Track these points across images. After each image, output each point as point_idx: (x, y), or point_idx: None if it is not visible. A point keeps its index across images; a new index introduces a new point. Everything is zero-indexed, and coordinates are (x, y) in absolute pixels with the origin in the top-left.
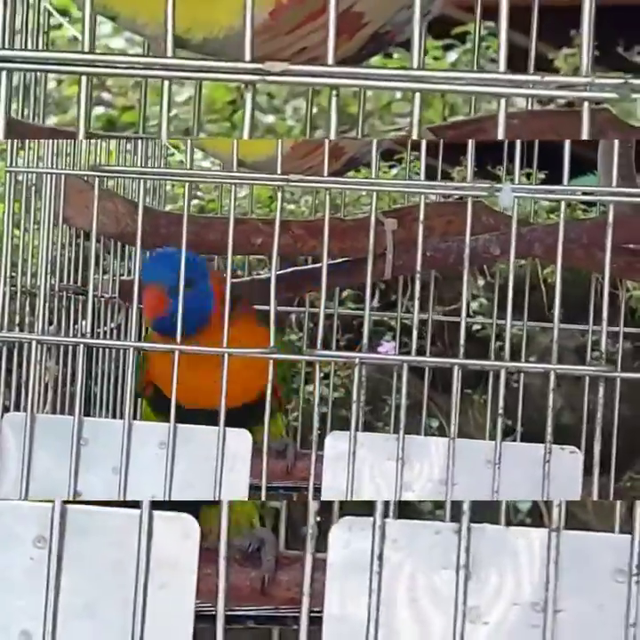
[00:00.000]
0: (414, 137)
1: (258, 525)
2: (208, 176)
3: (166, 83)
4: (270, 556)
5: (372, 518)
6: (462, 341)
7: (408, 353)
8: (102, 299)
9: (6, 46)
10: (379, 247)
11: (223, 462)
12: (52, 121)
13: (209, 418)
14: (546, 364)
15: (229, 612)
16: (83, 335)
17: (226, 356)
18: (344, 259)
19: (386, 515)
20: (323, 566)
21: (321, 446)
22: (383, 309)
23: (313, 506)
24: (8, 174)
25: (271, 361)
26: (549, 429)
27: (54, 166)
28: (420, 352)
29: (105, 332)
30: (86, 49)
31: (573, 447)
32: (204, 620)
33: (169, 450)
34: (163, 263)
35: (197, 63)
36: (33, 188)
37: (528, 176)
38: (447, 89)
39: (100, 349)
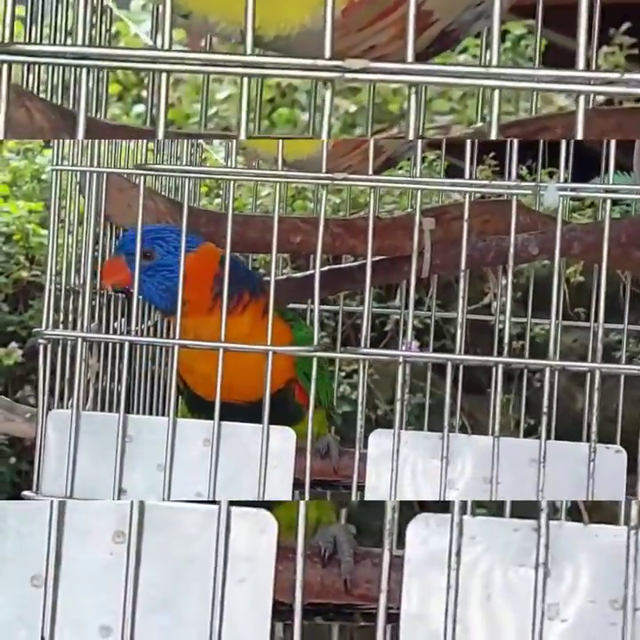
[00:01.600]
0: (493, 137)
1: (334, 522)
2: (250, 174)
3: (245, 80)
4: (348, 556)
5: (449, 515)
6: (506, 339)
7: (436, 351)
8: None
9: (85, 43)
10: (417, 246)
11: (267, 460)
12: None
13: (233, 411)
14: (582, 362)
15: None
16: (127, 333)
17: (221, 351)
18: (380, 257)
19: (463, 511)
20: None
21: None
22: (405, 307)
23: (391, 503)
24: (53, 172)
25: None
26: (594, 428)
27: (95, 165)
28: (446, 350)
29: (142, 330)
30: (166, 46)
31: (618, 446)
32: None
33: (213, 447)
34: (131, 232)
35: (276, 60)
36: (77, 187)
37: (551, 174)
38: (526, 86)
39: (139, 346)
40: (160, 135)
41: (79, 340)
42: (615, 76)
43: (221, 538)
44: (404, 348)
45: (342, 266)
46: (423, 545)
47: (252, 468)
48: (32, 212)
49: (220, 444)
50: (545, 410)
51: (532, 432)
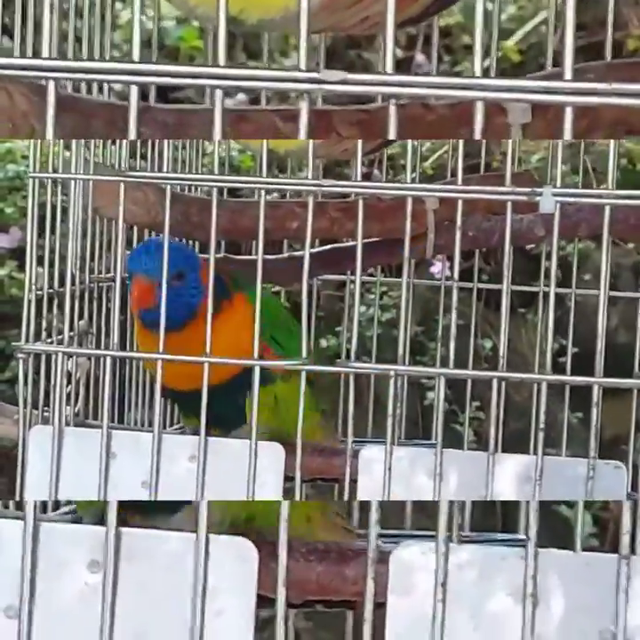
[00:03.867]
0: (477, 136)
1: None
2: (236, 181)
3: (219, 92)
4: None
5: (434, 543)
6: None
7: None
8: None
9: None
10: (420, 226)
11: (255, 476)
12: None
13: (196, 400)
14: (583, 377)
15: None
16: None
17: (206, 365)
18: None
19: (449, 539)
20: (387, 559)
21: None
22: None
23: (375, 504)
24: (31, 180)
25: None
26: (593, 445)
27: (79, 166)
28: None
29: None
30: (136, 59)
31: (618, 462)
32: (269, 602)
33: (199, 463)
34: (152, 253)
35: (251, 73)
36: (60, 187)
37: None
38: (510, 97)
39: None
40: (132, 135)
41: (60, 354)
42: (603, 86)
43: (200, 567)
44: (437, 271)
45: (344, 245)
46: (407, 574)
47: (239, 484)
48: (48, 150)
49: (206, 459)
50: (542, 425)
51: (560, 353)
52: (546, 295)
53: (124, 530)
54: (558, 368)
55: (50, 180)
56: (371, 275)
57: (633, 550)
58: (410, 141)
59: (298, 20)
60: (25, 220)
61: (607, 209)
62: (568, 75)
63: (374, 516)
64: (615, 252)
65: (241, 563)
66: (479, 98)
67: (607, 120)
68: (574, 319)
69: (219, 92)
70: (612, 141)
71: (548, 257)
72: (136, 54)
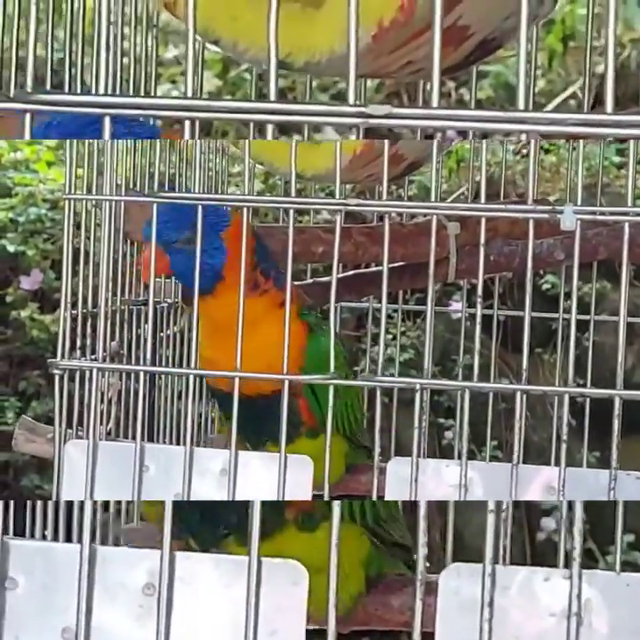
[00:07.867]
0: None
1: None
2: (266, 201)
3: (270, 126)
4: None
5: (481, 565)
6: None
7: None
8: (165, 304)
9: (108, 92)
10: (442, 251)
11: (285, 490)
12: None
13: (243, 405)
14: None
15: None
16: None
17: (237, 379)
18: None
19: (495, 561)
20: (435, 589)
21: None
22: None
23: (423, 524)
24: (66, 202)
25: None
26: (615, 455)
27: (112, 187)
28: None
29: (167, 336)
30: (190, 94)
31: (639, 473)
32: (316, 634)
33: (230, 477)
34: (163, 218)
35: (302, 108)
36: (94, 210)
37: None
38: (555, 131)
39: (163, 356)
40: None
41: (94, 370)
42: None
43: (252, 589)
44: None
45: (367, 271)
46: (455, 595)
47: (270, 497)
48: (78, 177)
49: (236, 473)
50: (564, 437)
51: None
52: (566, 324)
53: (179, 553)
54: (577, 408)
55: (84, 202)
56: (393, 301)
57: None
58: (434, 165)
59: (343, 62)
60: (46, 262)
61: (626, 226)
62: (609, 108)
63: (422, 537)
64: (632, 293)
65: (292, 585)
66: (524, 131)
67: None
68: (591, 361)
69: (270, 127)
70: (631, 158)
71: (567, 296)
72: (189, 90)
